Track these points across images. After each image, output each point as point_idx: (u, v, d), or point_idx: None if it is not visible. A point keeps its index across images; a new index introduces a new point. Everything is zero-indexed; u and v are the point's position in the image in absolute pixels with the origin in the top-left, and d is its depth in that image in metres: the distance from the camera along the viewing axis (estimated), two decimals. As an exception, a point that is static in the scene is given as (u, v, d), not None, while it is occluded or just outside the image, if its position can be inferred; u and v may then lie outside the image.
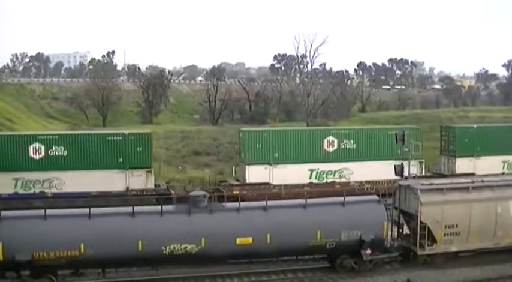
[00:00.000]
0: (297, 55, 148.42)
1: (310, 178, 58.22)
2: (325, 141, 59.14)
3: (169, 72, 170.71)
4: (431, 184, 39.33)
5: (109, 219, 33.16)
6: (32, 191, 52.75)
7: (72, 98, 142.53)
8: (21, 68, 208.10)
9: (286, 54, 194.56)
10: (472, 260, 38.98)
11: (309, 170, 58.17)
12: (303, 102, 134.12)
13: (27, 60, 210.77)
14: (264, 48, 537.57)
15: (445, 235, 37.79)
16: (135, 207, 33.56)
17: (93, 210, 33.06)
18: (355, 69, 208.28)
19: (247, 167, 57.49)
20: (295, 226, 34.85)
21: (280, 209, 35.88)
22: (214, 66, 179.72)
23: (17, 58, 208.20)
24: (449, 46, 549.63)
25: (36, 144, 53.11)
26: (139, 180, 54.45)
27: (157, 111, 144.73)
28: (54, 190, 52.65)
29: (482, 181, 40.17)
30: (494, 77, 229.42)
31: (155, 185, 55.65)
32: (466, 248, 38.73)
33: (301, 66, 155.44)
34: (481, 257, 39.14)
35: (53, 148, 53.29)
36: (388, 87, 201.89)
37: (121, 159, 54.04)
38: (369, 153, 59.69)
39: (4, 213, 32.08)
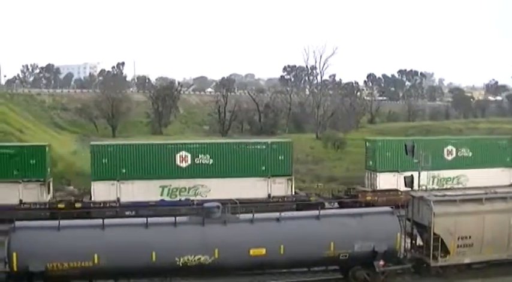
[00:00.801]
0: (306, 66, 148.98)
1: (432, 184, 57.85)
2: (445, 150, 62.57)
3: (179, 83, 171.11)
4: (445, 195, 39.29)
5: (122, 230, 33.30)
6: (177, 199, 55.83)
7: (82, 109, 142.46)
8: (31, 78, 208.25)
9: (295, 66, 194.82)
10: (479, 271, 38.93)
11: (432, 176, 57.92)
12: (312, 114, 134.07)
13: (38, 71, 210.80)
14: (273, 59, 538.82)
15: (458, 247, 37.79)
16: (149, 219, 33.57)
17: (107, 221, 33.20)
18: (364, 81, 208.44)
19: (378, 174, 60.52)
20: (308, 237, 34.88)
21: (294, 220, 36.02)
22: (223, 78, 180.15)
23: (28, 69, 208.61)
24: (459, 57, 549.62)
25: (183, 153, 56.25)
26: (280, 188, 56.50)
27: (167, 122, 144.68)
28: (199, 197, 54.83)
29: (496, 192, 40.11)
30: (504, 88, 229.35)
31: (295, 192, 58.01)
32: (479, 259, 38.67)
33: (311, 77, 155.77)
34: (490, 269, 39.12)
35: (199, 156, 56.51)
36: (381, 98, 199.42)
37: (264, 167, 56.21)
38: (484, 161, 62.86)
39: (18, 223, 32.22)
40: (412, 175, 46.14)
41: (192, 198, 55.47)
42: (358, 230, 35.98)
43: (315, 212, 36.45)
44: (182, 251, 32.96)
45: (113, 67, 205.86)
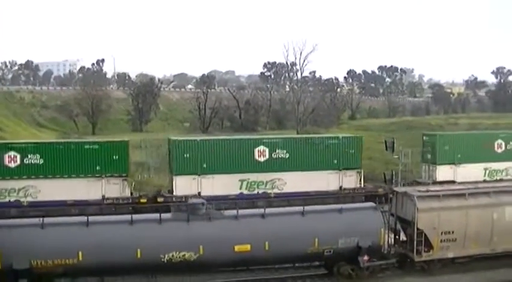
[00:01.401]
0: (286, 63, 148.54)
1: (484, 176, 63.44)
2: (495, 143, 65.38)
3: (159, 80, 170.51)
4: (428, 191, 39.44)
5: (107, 227, 33.20)
6: (255, 192, 57.57)
7: (62, 106, 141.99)
8: (10, 76, 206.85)
9: (276, 62, 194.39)
10: (463, 266, 39.14)
11: (484, 168, 63.70)
12: (292, 110, 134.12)
13: (17, 68, 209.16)
14: (253, 56, 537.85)
15: (441, 241, 37.96)
16: (133, 215, 33.52)
17: (91, 218, 33.08)
18: (344, 77, 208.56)
19: (437, 167, 62.72)
20: (293, 233, 34.99)
21: (278, 217, 36.00)
22: (204, 74, 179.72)
23: (6, 66, 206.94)
24: (439, 53, 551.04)
25: (262, 147, 58.03)
26: (351, 180, 58.56)
27: (148, 120, 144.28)
28: (276, 190, 56.86)
29: (478, 187, 40.34)
30: (483, 84, 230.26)
31: (364, 185, 60.09)
32: (462, 254, 38.86)
33: (291, 74, 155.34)
34: (473, 263, 39.38)
35: (277, 151, 58.19)
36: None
37: (335, 161, 58.38)
38: None
39: (2, 221, 32.22)
40: (392, 170, 46.44)
41: (269, 191, 57.54)
42: (342, 225, 36.14)
43: (299, 208, 36.56)
44: (167, 248, 32.94)
45: (93, 64, 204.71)
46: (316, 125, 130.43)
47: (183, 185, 55.97)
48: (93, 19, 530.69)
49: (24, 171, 53.33)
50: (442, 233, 37.80)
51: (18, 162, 53.10)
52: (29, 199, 52.90)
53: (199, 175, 56.36)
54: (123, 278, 34.90)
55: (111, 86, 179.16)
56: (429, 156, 64.23)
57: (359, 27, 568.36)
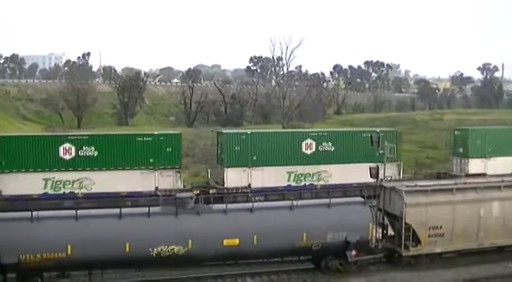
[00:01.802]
0: (272, 57, 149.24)
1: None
2: None
3: (145, 74, 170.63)
4: (416, 185, 39.54)
5: (96, 221, 33.00)
6: (302, 184, 58.91)
7: (47, 100, 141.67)
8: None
9: (262, 57, 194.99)
10: (447, 261, 39.32)
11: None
12: (278, 105, 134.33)
13: (2, 61, 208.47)
14: (240, 50, 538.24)
15: (429, 236, 38.04)
16: (122, 209, 33.43)
17: (80, 212, 32.90)
18: (331, 72, 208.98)
19: (469, 160, 64.32)
20: (281, 228, 34.92)
21: (267, 211, 35.93)
22: (190, 68, 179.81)
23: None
24: (425, 49, 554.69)
25: (309, 141, 59.68)
26: (389, 172, 56.80)
27: (133, 113, 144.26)
28: (321, 182, 58.11)
29: (466, 183, 40.46)
30: (469, 80, 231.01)
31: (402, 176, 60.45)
32: (450, 249, 39.01)
33: (277, 68, 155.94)
34: (457, 258, 39.61)
35: (323, 144, 59.86)
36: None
37: (377, 154, 57.62)
38: None
39: (-10, 215, 31.96)
40: (377, 166, 46.43)
41: (315, 183, 58.77)
42: (330, 220, 36.12)
43: (288, 203, 36.50)
44: (156, 242, 32.84)
45: (79, 57, 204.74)
46: (302, 119, 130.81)
47: (234, 177, 57.17)
48: (79, 12, 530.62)
49: (79, 163, 54.35)
50: (429, 228, 37.89)
51: (73, 154, 54.17)
52: (84, 191, 54.00)
53: (249, 167, 57.49)
54: (112, 272, 34.94)
55: (97, 79, 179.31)
56: (461, 149, 65.93)
57: (346, 22, 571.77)
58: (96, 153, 54.58)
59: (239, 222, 34.61)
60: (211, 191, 54.84)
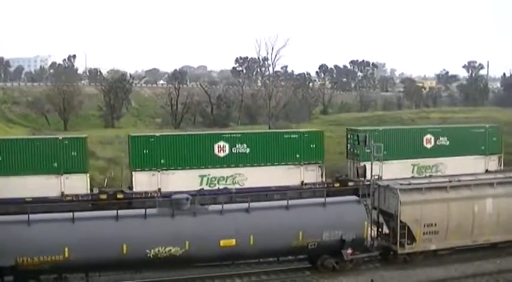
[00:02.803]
0: (258, 58, 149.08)
1: None
2: None
3: (130, 75, 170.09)
4: (410, 184, 39.73)
5: (93, 223, 33.06)
6: (424, 175, 61.14)
7: (33, 103, 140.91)
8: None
9: (247, 57, 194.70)
10: (445, 258, 39.61)
11: None
12: (264, 105, 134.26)
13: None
14: (225, 51, 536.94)
15: (424, 234, 38.39)
16: (119, 211, 33.41)
17: (77, 214, 32.90)
18: (316, 72, 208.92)
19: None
20: (277, 227, 35.14)
21: (263, 211, 36.08)
22: (176, 70, 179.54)
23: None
24: (411, 48, 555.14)
25: (428, 136, 64.73)
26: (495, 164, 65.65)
27: (119, 115, 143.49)
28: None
29: (459, 180, 40.67)
30: (454, 78, 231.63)
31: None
32: (444, 246, 39.36)
33: (263, 69, 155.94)
34: (454, 255, 39.85)
35: (440, 138, 64.91)
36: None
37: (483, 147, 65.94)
38: None
39: (-14, 219, 31.90)
40: (364, 165, 46.69)
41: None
42: (326, 219, 36.39)
43: (284, 202, 36.63)
44: (153, 243, 32.93)
45: (64, 60, 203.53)
46: (288, 119, 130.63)
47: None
48: (65, 15, 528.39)
49: (232, 160, 57.75)
50: (424, 225, 38.26)
51: (227, 151, 57.78)
52: (237, 186, 56.98)
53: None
54: (109, 274, 34.97)
55: (83, 81, 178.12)
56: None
57: (331, 22, 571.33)
58: (248, 150, 58.54)
59: (235, 223, 34.75)
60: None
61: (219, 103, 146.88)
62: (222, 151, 57.88)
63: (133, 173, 56.50)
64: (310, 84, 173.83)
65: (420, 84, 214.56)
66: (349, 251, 36.78)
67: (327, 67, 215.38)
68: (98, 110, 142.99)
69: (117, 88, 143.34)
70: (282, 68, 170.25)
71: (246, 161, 58.38)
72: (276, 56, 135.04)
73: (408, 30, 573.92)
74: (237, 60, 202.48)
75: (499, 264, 39.09)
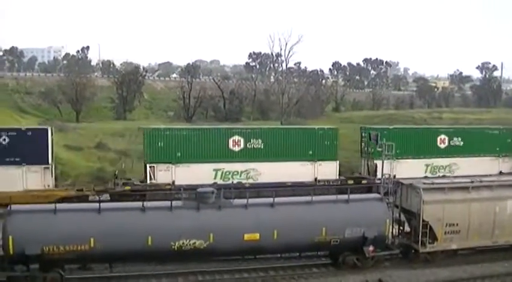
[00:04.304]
0: (271, 54, 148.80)
1: None
2: None
3: (143, 68, 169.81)
4: (433, 183, 39.82)
5: (119, 214, 33.21)
6: (437, 175, 62.75)
7: (46, 93, 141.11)
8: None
9: (261, 53, 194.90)
10: (465, 258, 39.85)
11: None
12: (277, 101, 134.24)
13: (1, 54, 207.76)
14: (239, 46, 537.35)
15: (445, 233, 38.42)
16: (144, 203, 33.56)
17: (103, 205, 33.02)
18: (329, 69, 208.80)
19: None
20: (301, 223, 35.22)
21: (287, 206, 36.24)
22: (189, 64, 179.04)
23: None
24: (424, 47, 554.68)
25: (442, 136, 65.26)
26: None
27: (131, 108, 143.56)
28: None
29: (481, 181, 40.74)
30: (468, 78, 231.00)
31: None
32: (465, 245, 39.48)
33: (276, 64, 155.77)
34: (474, 255, 39.94)
35: (453, 139, 65.59)
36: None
37: (498, 148, 67.52)
38: None
39: (14, 207, 32.05)
40: (376, 164, 46.98)
41: (448, 174, 63.00)
42: (349, 216, 36.39)
43: (308, 198, 36.70)
44: (178, 236, 33.05)
45: (78, 51, 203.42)
46: (300, 116, 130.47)
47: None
48: (79, 6, 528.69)
49: (246, 155, 58.23)
50: (446, 225, 38.27)
51: (242, 146, 58.19)
52: (250, 181, 57.35)
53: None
54: (133, 265, 35.18)
55: (96, 73, 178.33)
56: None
57: (345, 20, 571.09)
58: (262, 146, 59.13)
59: (260, 217, 34.85)
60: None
61: (232, 98, 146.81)
62: (236, 145, 58.30)
63: (147, 165, 56.90)
64: (323, 81, 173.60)
65: (433, 84, 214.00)
66: (371, 248, 36.81)
67: (340, 64, 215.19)
68: (110, 102, 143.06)
69: (129, 80, 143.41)
70: (295, 64, 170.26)
71: (260, 156, 58.71)
72: (289, 52, 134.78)
73: (422, 29, 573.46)
74: (250, 56, 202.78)
75: (508, 267, 39.07)
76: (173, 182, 56.38)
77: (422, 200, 37.55)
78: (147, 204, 33.77)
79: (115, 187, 55.78)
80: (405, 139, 63.10)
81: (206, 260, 35.93)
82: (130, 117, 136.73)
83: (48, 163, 53.82)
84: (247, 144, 58.31)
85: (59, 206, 32.32)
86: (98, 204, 32.85)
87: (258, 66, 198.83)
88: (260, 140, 59.16)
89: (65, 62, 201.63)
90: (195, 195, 35.06)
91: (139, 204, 33.61)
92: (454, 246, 38.95)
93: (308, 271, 37.16)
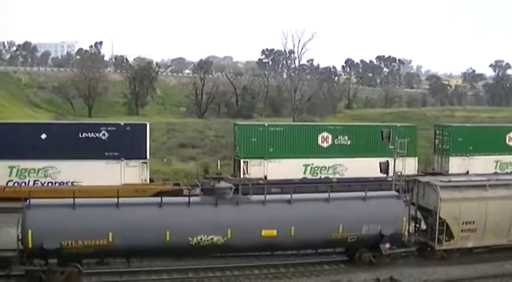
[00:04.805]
0: (284, 50, 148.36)
1: None
2: None
3: (156, 64, 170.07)
4: (450, 181, 39.77)
5: (137, 209, 33.31)
6: (505, 171, 64.19)
7: (59, 88, 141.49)
8: (8, 56, 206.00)
9: (274, 49, 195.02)
10: (481, 256, 39.59)
11: None
12: (289, 98, 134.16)
13: (14, 48, 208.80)
14: (252, 42, 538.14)
15: (462, 231, 38.36)
16: (163, 198, 33.64)
17: (122, 200, 33.03)
18: (342, 66, 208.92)
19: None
20: (318, 219, 35.22)
21: (304, 203, 36.17)
22: (201, 60, 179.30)
23: (4, 46, 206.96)
24: (437, 45, 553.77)
25: (511, 134, 66.77)
26: None
27: (144, 103, 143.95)
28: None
29: (498, 179, 40.66)
30: (481, 77, 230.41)
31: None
32: (481, 244, 39.35)
33: (289, 61, 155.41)
34: (490, 253, 39.82)
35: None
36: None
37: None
38: None
39: (33, 201, 32.14)
40: (387, 161, 47.12)
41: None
42: (366, 213, 36.42)
43: (325, 195, 36.74)
44: (195, 231, 33.11)
45: (91, 46, 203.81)
46: (312, 113, 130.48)
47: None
48: (92, 1, 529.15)
49: (334, 151, 59.67)
50: (462, 222, 38.18)
51: (330, 142, 59.51)
52: (337, 176, 58.59)
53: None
54: (150, 260, 35.30)
55: (109, 68, 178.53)
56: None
57: (358, 17, 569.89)
58: (349, 142, 60.63)
59: (277, 213, 34.88)
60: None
61: (244, 94, 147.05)
62: (325, 142, 59.75)
63: (241, 160, 58.65)
64: (336, 78, 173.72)
65: (446, 82, 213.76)
66: (387, 245, 36.80)
67: (353, 62, 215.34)
68: (122, 97, 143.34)
69: (142, 76, 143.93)
70: (307, 61, 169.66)
71: (347, 152, 60.11)
72: (302, 48, 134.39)
73: (436, 27, 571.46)
74: (263, 52, 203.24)
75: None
76: (265, 177, 57.91)
77: (439, 198, 37.48)
78: (165, 199, 33.84)
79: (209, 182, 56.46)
80: (477, 137, 65.81)
81: (223, 256, 36.00)
82: (142, 113, 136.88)
83: (146, 158, 55.04)
84: (335, 141, 59.74)
85: (78, 200, 32.34)
86: (116, 199, 32.85)
87: (270, 63, 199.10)
88: (347, 137, 60.90)
89: (78, 57, 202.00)
90: (212, 191, 35.17)
91: (157, 199, 33.73)
92: (470, 245, 38.88)
93: (319, 268, 37.12)
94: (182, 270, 35.31)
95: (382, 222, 36.29)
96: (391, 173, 46.44)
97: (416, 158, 62.79)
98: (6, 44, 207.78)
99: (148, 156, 55.28)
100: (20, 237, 31.53)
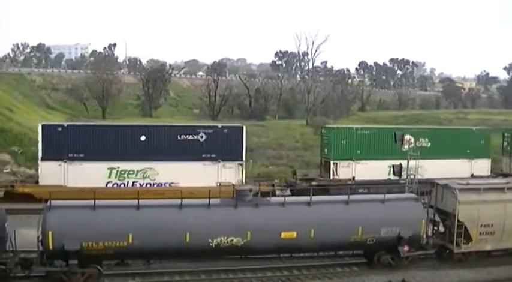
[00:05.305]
0: (298, 52, 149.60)
1: None
2: None
3: (170, 66, 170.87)
4: (468, 184, 39.72)
5: (157, 210, 33.33)
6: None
7: (72, 90, 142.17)
8: (22, 58, 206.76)
9: (287, 52, 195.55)
10: (498, 259, 39.49)
11: None
12: (303, 100, 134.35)
13: (28, 50, 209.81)
14: (265, 44, 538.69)
15: (480, 234, 38.23)
16: (183, 200, 33.70)
17: (142, 201, 33.10)
18: (356, 68, 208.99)
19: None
20: (337, 222, 35.15)
21: (324, 205, 36.11)
22: (215, 62, 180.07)
23: (18, 48, 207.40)
24: (451, 48, 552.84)
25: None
26: None
27: (157, 105, 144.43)
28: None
29: (516, 183, 40.58)
30: (494, 79, 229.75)
31: None
32: (500, 247, 39.21)
33: (302, 63, 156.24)
34: (508, 256, 39.73)
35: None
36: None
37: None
38: None
39: (54, 202, 32.23)
40: (401, 164, 47.27)
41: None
42: (384, 215, 36.31)
43: (344, 197, 36.72)
44: (215, 233, 33.11)
45: (105, 48, 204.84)
46: (325, 115, 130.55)
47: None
48: (106, 3, 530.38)
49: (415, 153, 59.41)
50: (481, 225, 38.08)
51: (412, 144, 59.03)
52: (418, 177, 58.52)
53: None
54: (170, 261, 35.39)
55: (122, 70, 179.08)
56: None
57: (372, 19, 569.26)
58: (429, 144, 62.06)
59: (297, 215, 34.86)
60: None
61: (257, 96, 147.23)
62: (407, 144, 59.53)
63: (331, 162, 60.88)
64: (349, 80, 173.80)
65: (459, 85, 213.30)
66: (406, 248, 36.76)
67: (367, 64, 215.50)
68: (136, 99, 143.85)
69: (156, 78, 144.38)
70: (321, 63, 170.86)
71: (427, 154, 59.04)
72: (316, 51, 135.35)
73: (450, 30, 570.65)
74: (276, 54, 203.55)
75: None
76: (353, 178, 60.29)
77: (457, 201, 37.41)
78: (185, 201, 33.85)
79: (298, 183, 59.51)
80: None
81: (243, 258, 36.05)
82: (156, 115, 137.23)
83: (242, 160, 56.22)
84: (417, 143, 59.54)
85: (98, 202, 32.44)
86: (136, 201, 32.96)
87: (284, 65, 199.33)
88: (427, 139, 62.47)
89: (91, 58, 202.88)
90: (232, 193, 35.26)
91: (177, 201, 33.73)
92: (488, 248, 38.78)
93: (332, 270, 37.11)
94: (194, 272, 35.41)
95: (401, 225, 36.22)
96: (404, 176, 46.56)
97: (490, 160, 65.95)
98: (20, 45, 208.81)
99: (244, 158, 56.32)
100: (40, 239, 31.64)
